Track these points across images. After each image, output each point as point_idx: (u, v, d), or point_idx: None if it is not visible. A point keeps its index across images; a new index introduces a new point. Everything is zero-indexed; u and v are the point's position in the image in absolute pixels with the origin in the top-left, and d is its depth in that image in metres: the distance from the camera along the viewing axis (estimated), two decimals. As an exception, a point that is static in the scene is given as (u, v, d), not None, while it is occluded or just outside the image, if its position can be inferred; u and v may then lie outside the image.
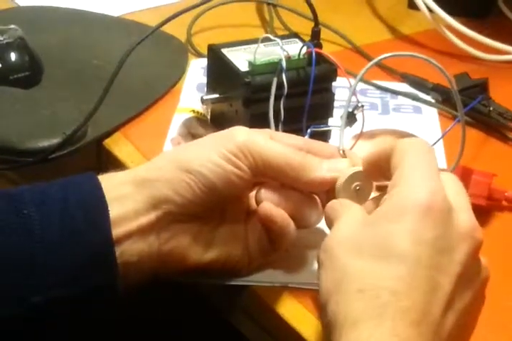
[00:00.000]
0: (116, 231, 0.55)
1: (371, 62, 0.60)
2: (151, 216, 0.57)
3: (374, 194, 0.61)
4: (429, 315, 0.48)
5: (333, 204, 0.57)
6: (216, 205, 0.58)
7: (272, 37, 0.71)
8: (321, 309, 0.51)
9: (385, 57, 0.61)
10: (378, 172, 0.57)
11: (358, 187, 0.58)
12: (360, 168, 0.58)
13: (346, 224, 0.53)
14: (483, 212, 0.68)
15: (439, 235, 0.50)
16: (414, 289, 0.48)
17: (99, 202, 0.55)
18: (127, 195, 0.57)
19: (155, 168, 0.58)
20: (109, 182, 0.57)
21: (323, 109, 0.73)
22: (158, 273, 0.58)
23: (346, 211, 0.55)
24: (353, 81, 0.63)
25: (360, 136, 0.69)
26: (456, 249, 0.50)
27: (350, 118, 0.70)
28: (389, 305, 0.48)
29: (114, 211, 0.56)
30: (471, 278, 0.52)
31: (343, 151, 0.60)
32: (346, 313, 0.48)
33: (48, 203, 0.55)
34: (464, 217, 0.52)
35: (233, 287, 0.61)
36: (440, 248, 0.50)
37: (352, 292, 0.49)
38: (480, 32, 0.91)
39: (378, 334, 0.47)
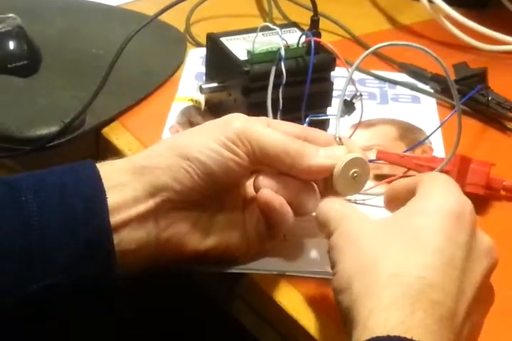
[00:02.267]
0: (115, 219, 0.55)
1: (367, 51, 0.60)
2: (150, 203, 0.56)
3: (371, 182, 0.61)
4: (455, 315, 0.49)
5: (326, 203, 0.57)
6: (214, 193, 0.58)
7: (271, 26, 0.71)
8: (339, 292, 0.51)
9: (381, 46, 0.61)
10: (398, 204, 0.56)
11: (355, 174, 0.58)
12: (357, 155, 0.58)
13: (360, 217, 0.54)
14: (481, 201, 0.68)
15: (469, 243, 0.51)
16: (446, 285, 0.49)
17: (97, 190, 0.55)
18: (126, 183, 0.57)
19: (153, 156, 0.58)
20: (107, 170, 0.57)
21: (322, 98, 0.73)
22: (157, 261, 0.58)
23: (347, 208, 0.56)
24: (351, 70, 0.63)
25: (358, 125, 0.69)
26: (479, 262, 0.51)
27: (349, 107, 0.70)
28: (423, 296, 0.48)
29: (113, 198, 0.55)
30: (486, 296, 0.53)
31: (340, 139, 0.60)
32: (377, 296, 0.48)
33: (46, 190, 0.55)
34: (486, 236, 0.53)
35: (231, 275, 0.61)
36: (469, 255, 0.51)
37: (385, 276, 0.49)
38: (479, 22, 0.91)
39: (408, 321, 0.47)
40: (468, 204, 0.52)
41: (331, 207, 0.56)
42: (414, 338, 0.46)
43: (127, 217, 0.56)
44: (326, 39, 0.72)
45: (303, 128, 0.61)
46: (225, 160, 0.57)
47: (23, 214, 0.54)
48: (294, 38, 0.71)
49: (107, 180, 0.56)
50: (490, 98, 0.79)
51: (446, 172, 0.68)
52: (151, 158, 0.58)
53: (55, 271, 0.54)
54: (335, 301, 0.52)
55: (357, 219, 0.54)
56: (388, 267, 0.49)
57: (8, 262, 0.53)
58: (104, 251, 0.55)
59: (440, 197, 0.52)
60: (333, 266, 0.53)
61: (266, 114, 0.69)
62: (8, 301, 0.54)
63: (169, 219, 0.57)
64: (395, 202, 0.57)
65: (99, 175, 0.56)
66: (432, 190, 0.53)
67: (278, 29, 0.70)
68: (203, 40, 0.78)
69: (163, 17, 0.81)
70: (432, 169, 0.67)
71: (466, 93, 0.78)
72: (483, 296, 0.52)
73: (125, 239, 0.56)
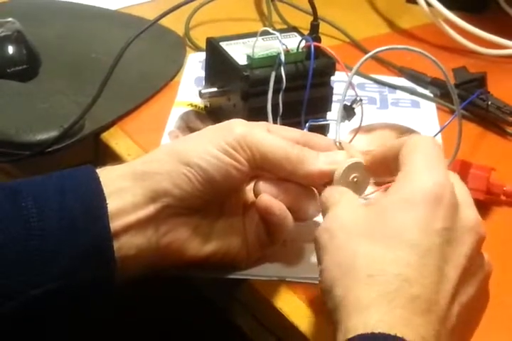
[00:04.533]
0: (115, 225, 0.55)
1: (366, 55, 0.60)
2: (150, 209, 0.56)
3: (371, 187, 0.61)
4: (436, 305, 0.49)
5: (329, 189, 0.57)
6: (215, 198, 0.58)
7: (270, 30, 0.71)
8: (324, 293, 0.51)
9: (380, 51, 0.61)
10: (383, 168, 0.57)
11: (355, 179, 0.58)
12: (357, 159, 0.58)
13: (347, 208, 0.54)
14: (481, 207, 0.67)
15: (447, 227, 0.50)
16: (424, 278, 0.49)
17: (97, 196, 0.55)
18: (126, 189, 0.56)
19: (153, 161, 0.58)
20: (107, 175, 0.57)
21: (322, 102, 0.73)
22: (156, 266, 0.58)
23: (344, 196, 0.55)
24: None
25: (358, 130, 0.69)
26: (462, 242, 0.51)
27: (349, 112, 0.70)
28: (400, 292, 0.48)
29: (113, 204, 0.55)
30: (475, 272, 0.52)
31: (340, 143, 0.60)
32: (356, 298, 0.48)
33: (46, 196, 0.55)
34: (469, 211, 0.52)
35: (231, 281, 0.61)
36: (448, 239, 0.50)
37: (362, 277, 0.49)
38: (478, 26, 0.91)
39: (387, 319, 0.47)
40: (447, 185, 0.51)
41: (326, 195, 0.56)
42: (398, 335, 0.46)
43: (127, 223, 0.56)
44: (326, 43, 0.72)
45: (303, 133, 0.61)
46: (226, 166, 0.56)
47: (23, 220, 0.54)
48: (293, 42, 0.71)
49: (107, 186, 0.56)
50: (489, 102, 0.79)
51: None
52: (151, 163, 0.58)
53: (54, 276, 0.54)
54: (323, 302, 0.52)
55: (341, 209, 0.54)
56: (365, 266, 0.49)
57: (7, 268, 0.53)
58: (104, 257, 0.55)
59: (418, 181, 0.51)
60: (318, 263, 0.53)
61: (266, 119, 0.68)
62: (8, 306, 0.54)
63: (169, 225, 0.57)
64: (380, 167, 0.58)
65: (99, 181, 0.56)
66: (411, 168, 0.52)
67: (278, 34, 0.70)
68: (203, 44, 0.78)
69: (163, 21, 0.81)
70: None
71: (466, 97, 0.78)
72: (474, 270, 0.52)
73: (125, 244, 0.56)
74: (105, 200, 0.55)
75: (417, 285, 0.48)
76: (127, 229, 0.56)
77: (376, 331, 0.46)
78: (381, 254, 0.50)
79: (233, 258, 0.60)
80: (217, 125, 0.60)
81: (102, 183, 0.56)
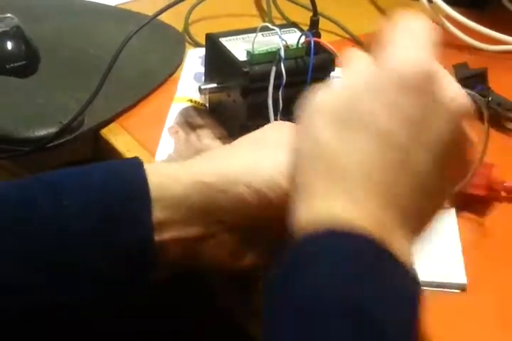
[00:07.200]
0: (159, 236, 0.53)
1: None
2: (201, 228, 0.54)
3: None
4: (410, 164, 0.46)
5: (351, 51, 0.51)
6: (266, 222, 0.55)
7: (270, 26, 0.71)
8: (290, 179, 0.50)
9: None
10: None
11: None
12: None
13: (335, 90, 0.49)
14: (482, 203, 0.68)
15: (423, 101, 0.47)
16: (391, 169, 0.46)
17: (143, 201, 0.52)
18: (181, 200, 0.53)
19: (225, 177, 0.54)
20: (162, 178, 0.53)
21: (322, 98, 0.72)
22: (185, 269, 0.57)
23: (355, 63, 0.50)
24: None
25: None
26: (437, 115, 0.47)
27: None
28: (365, 182, 0.46)
29: (161, 215, 0.53)
30: (459, 146, 0.49)
31: None
32: (315, 186, 0.47)
33: (88, 193, 0.52)
34: (451, 82, 0.49)
35: (244, 284, 0.60)
36: (423, 114, 0.47)
37: (322, 167, 0.47)
38: (479, 22, 0.90)
39: (351, 207, 0.45)
40: (426, 62, 0.47)
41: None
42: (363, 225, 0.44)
43: (173, 236, 0.53)
44: (326, 39, 0.72)
45: None
46: (284, 195, 0.52)
47: (63, 221, 0.52)
48: (293, 38, 0.71)
49: (158, 190, 0.53)
50: (490, 98, 0.79)
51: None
52: (221, 177, 0.54)
53: (88, 283, 0.52)
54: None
55: (323, 97, 0.49)
56: (326, 155, 0.47)
57: (40, 269, 0.52)
58: (141, 267, 0.53)
59: (396, 63, 0.47)
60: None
61: (266, 115, 0.68)
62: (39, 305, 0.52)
63: (215, 241, 0.55)
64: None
65: (148, 187, 0.52)
66: (392, 49, 0.48)
67: (277, 29, 0.70)
68: (202, 40, 0.78)
69: (162, 17, 0.80)
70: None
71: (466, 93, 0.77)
72: (454, 148, 0.48)
73: (164, 255, 0.53)
74: (151, 209, 0.52)
75: (382, 173, 0.46)
76: (172, 242, 0.53)
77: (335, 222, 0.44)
78: (348, 141, 0.46)
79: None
80: (283, 135, 0.55)
81: (154, 186, 0.53)
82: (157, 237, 0.53)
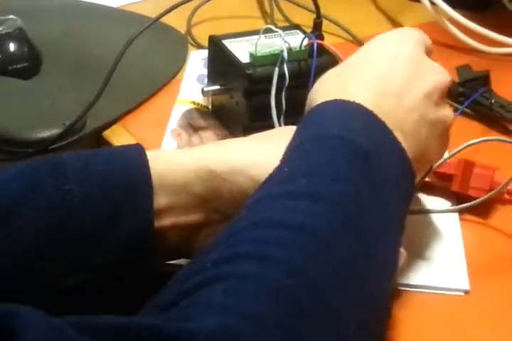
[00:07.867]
0: (159, 223, 0.53)
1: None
2: (201, 215, 0.55)
3: None
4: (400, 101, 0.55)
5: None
6: None
7: (273, 28, 0.71)
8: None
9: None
10: None
11: None
12: None
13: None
14: (485, 205, 0.68)
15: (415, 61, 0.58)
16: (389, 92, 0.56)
17: (144, 188, 0.53)
18: (182, 185, 0.54)
19: (230, 167, 0.55)
20: (164, 164, 0.54)
21: (325, 101, 0.72)
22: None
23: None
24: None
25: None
26: (425, 75, 0.57)
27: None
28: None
29: (162, 201, 0.53)
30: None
31: None
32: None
33: (92, 179, 0.52)
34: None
35: None
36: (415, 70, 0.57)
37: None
38: (482, 24, 0.90)
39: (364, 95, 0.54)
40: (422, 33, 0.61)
41: None
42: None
43: (173, 222, 0.54)
44: (329, 41, 0.72)
45: None
46: None
47: (65, 205, 0.51)
48: (296, 40, 0.71)
49: (160, 178, 0.53)
50: (493, 101, 0.79)
51: (450, 176, 0.68)
52: (222, 164, 0.55)
53: (88, 267, 0.53)
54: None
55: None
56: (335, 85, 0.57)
57: (44, 256, 0.52)
58: (141, 254, 0.54)
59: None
60: None
61: (269, 117, 0.68)
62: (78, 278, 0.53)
63: (211, 230, 0.56)
64: None
65: (149, 173, 0.53)
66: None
67: (280, 31, 0.70)
68: (205, 42, 0.78)
69: (165, 19, 0.80)
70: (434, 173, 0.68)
71: (469, 96, 0.77)
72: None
73: (164, 241, 0.54)
74: (152, 195, 0.53)
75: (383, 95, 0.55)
76: (171, 228, 0.54)
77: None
78: (351, 80, 0.57)
79: None
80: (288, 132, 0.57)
81: (155, 173, 0.53)
82: (157, 223, 0.53)
